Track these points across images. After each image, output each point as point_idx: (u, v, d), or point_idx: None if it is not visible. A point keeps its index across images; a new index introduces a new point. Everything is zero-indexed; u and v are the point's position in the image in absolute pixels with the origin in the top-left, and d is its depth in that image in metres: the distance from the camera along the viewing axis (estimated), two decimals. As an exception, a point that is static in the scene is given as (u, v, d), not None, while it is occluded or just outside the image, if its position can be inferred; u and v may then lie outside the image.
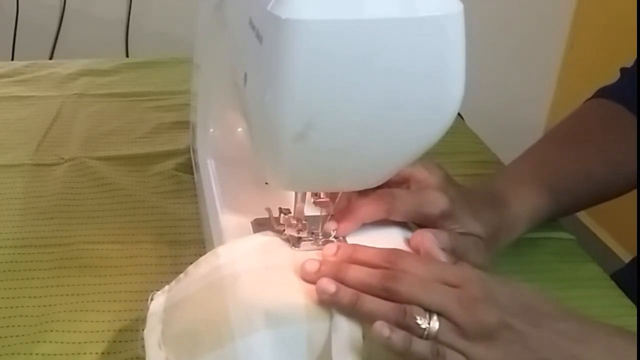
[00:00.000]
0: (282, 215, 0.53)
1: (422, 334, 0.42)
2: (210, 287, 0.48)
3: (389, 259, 0.46)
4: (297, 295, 0.46)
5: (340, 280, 0.45)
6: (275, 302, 0.45)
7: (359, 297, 0.44)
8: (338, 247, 0.49)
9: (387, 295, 0.44)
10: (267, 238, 0.52)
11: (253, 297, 0.46)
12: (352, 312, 0.44)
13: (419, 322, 0.42)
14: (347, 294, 0.44)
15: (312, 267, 0.47)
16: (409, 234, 0.53)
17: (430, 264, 0.46)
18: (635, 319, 0.59)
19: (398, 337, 0.41)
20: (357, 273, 0.45)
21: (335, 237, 0.52)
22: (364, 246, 0.49)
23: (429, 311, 0.43)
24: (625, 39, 1.54)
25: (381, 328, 0.41)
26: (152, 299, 0.50)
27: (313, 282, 0.46)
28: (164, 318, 0.48)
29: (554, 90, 1.97)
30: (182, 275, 0.50)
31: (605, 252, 1.72)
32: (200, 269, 0.50)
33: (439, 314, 0.43)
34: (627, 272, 0.75)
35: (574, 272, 0.65)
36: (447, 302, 0.43)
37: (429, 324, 0.42)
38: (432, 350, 0.41)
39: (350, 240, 0.52)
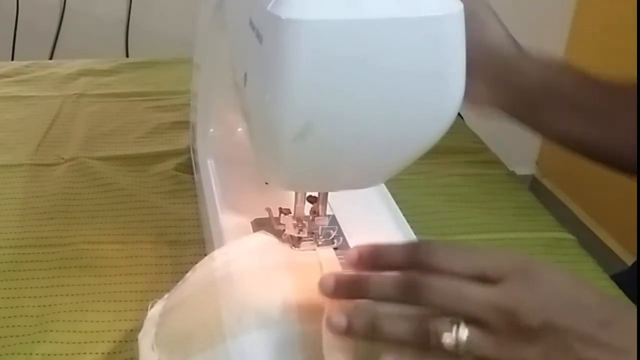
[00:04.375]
0: (282, 215, 0.53)
1: (449, 349, 0.38)
2: (205, 289, 0.48)
3: (417, 257, 0.41)
4: (289, 296, 0.46)
5: (361, 297, 0.41)
6: (267, 303, 0.45)
7: (374, 327, 0.40)
8: (359, 254, 0.43)
9: (416, 305, 0.40)
10: (263, 238, 0.52)
11: (245, 297, 0.46)
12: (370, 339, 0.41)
13: (445, 341, 0.38)
14: (360, 328, 0.40)
15: (329, 283, 0.43)
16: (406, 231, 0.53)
17: (466, 258, 0.41)
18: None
19: None
20: (378, 286, 0.41)
21: (334, 238, 0.52)
22: (387, 245, 0.43)
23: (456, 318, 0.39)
24: (624, 40, 1.55)
25: None
26: (152, 306, 0.50)
27: (334, 298, 0.43)
28: (159, 322, 0.48)
29: (554, 91, 1.97)
30: (180, 282, 0.50)
31: (605, 252, 1.72)
32: (197, 273, 0.50)
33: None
34: (628, 275, 0.75)
35: (574, 272, 0.65)
36: (484, 313, 0.38)
37: (456, 337, 0.38)
38: None
39: (350, 239, 0.52)
